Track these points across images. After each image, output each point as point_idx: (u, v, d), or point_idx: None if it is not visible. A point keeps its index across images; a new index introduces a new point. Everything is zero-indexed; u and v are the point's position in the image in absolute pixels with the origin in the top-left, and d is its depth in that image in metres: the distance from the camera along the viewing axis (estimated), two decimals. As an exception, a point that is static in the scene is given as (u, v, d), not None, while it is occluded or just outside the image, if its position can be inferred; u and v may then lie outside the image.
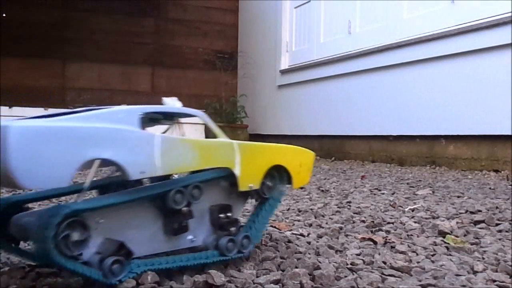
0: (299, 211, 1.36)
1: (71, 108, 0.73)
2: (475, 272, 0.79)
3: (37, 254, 0.62)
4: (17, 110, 4.57)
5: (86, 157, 0.62)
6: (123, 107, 0.68)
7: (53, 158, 0.59)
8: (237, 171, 0.79)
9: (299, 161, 0.89)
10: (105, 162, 0.64)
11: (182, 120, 0.82)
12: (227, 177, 0.79)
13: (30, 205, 0.77)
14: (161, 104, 0.75)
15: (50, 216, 0.60)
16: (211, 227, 0.80)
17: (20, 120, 0.61)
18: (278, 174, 0.86)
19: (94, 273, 0.63)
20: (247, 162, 0.80)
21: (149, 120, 0.73)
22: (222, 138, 0.79)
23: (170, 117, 0.78)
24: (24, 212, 0.73)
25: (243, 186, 0.81)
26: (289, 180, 0.88)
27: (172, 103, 0.76)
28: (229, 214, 0.81)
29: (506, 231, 1.11)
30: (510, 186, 1.99)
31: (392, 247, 0.96)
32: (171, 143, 0.70)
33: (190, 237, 0.77)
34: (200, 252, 0.76)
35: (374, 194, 1.75)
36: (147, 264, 0.69)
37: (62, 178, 0.60)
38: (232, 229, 0.80)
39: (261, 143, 0.84)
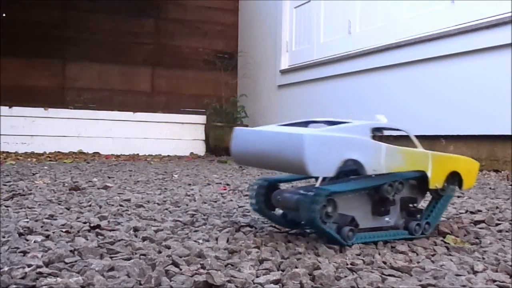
0: (299, 211, 1.36)
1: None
2: (475, 272, 0.79)
3: (304, 219, 0.94)
4: (17, 110, 4.57)
5: (344, 157, 0.90)
6: (359, 122, 0.98)
7: (327, 156, 0.88)
8: (429, 174, 1.05)
9: (468, 168, 1.13)
10: (350, 162, 0.92)
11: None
12: (417, 177, 1.05)
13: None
14: (374, 119, 1.06)
15: (317, 195, 0.90)
16: (400, 213, 1.05)
17: (302, 129, 0.93)
18: (451, 177, 1.10)
19: (337, 236, 0.91)
20: (436, 168, 1.06)
21: None
22: (420, 149, 1.07)
23: (378, 129, 1.04)
24: (277, 189, 1.03)
25: (432, 185, 1.06)
26: (459, 183, 1.12)
27: (382, 119, 1.06)
28: (415, 205, 1.07)
29: (506, 231, 1.11)
30: (510, 186, 1.99)
31: (392, 247, 0.96)
32: (390, 150, 0.99)
33: (387, 219, 1.03)
34: (394, 230, 1.02)
35: (374, 194, 1.75)
36: (363, 238, 0.95)
37: (331, 170, 0.89)
38: (418, 216, 1.06)
39: (445, 153, 1.11)
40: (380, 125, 1.03)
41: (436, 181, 1.06)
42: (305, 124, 1.06)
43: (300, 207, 0.93)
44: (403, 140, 1.16)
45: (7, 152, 4.33)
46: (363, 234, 0.96)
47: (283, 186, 1.13)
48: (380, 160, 0.97)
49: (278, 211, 1.07)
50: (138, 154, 4.71)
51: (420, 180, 1.06)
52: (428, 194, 1.12)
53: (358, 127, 0.96)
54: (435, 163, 1.06)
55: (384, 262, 0.84)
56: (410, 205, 1.07)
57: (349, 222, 0.94)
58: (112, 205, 1.44)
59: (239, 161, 1.01)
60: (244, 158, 0.99)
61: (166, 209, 1.39)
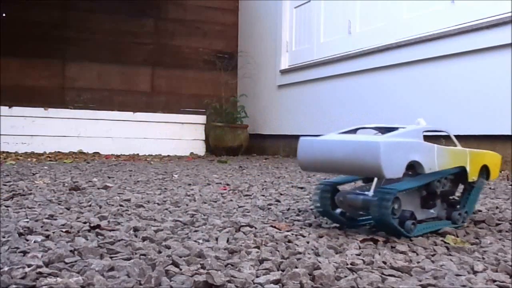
0: (299, 211, 1.36)
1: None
2: (475, 272, 0.79)
3: (375, 217, 1.01)
4: (17, 110, 4.57)
5: (409, 159, 1.01)
6: (413, 127, 1.08)
7: (397, 159, 0.98)
8: (468, 168, 1.16)
9: (494, 161, 1.25)
10: (412, 163, 1.02)
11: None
12: (458, 172, 1.15)
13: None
14: (415, 123, 1.15)
15: (387, 193, 1.00)
16: (441, 204, 1.15)
17: (376, 136, 1.02)
18: (481, 170, 1.21)
19: (401, 230, 1.01)
20: (472, 163, 1.17)
21: None
22: (459, 147, 1.18)
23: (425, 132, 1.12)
24: (338, 191, 1.12)
25: (470, 179, 1.17)
26: (487, 174, 1.23)
27: (423, 123, 1.15)
28: (454, 196, 1.19)
29: (506, 231, 1.11)
30: (510, 186, 1.99)
31: (392, 247, 0.96)
32: (441, 150, 1.10)
33: (431, 211, 1.13)
34: (440, 221, 1.12)
35: (374, 194, 1.74)
36: (419, 230, 1.04)
37: (401, 171, 0.99)
38: (458, 206, 1.17)
39: (478, 150, 1.21)
40: (428, 128, 1.13)
41: (473, 174, 1.18)
42: (355, 130, 1.14)
43: (371, 206, 1.02)
44: (434, 139, 1.24)
45: (7, 152, 4.33)
46: (418, 226, 1.05)
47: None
48: (434, 159, 1.07)
49: (337, 210, 1.16)
50: (138, 154, 4.71)
51: (458, 174, 1.16)
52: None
53: (414, 131, 1.07)
54: (472, 159, 1.17)
55: (384, 262, 0.83)
56: (450, 197, 1.17)
57: (410, 216, 1.03)
58: (112, 205, 1.44)
59: (307, 168, 1.09)
60: (312, 165, 1.08)
61: (166, 209, 1.39)
